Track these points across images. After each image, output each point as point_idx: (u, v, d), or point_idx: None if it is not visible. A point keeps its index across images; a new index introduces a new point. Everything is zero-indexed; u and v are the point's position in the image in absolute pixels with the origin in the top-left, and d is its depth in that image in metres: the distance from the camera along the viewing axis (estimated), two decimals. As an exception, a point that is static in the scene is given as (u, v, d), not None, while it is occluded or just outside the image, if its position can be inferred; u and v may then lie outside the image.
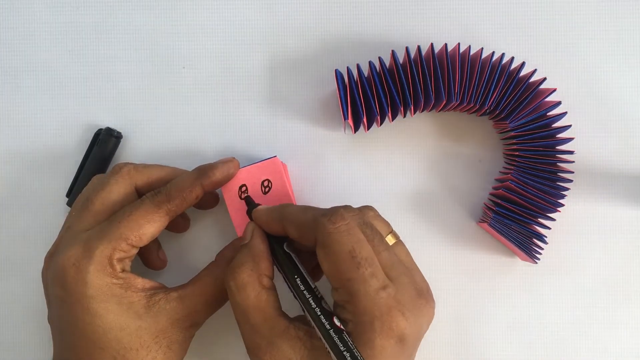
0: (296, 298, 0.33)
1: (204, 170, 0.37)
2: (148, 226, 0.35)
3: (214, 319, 0.37)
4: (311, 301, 0.32)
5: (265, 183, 0.38)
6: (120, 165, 0.37)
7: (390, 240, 0.35)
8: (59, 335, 0.35)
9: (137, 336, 0.33)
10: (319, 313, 0.31)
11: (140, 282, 0.35)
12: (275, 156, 0.39)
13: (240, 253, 0.34)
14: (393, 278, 0.32)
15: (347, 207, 0.33)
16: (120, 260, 0.34)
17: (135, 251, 0.35)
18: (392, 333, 0.30)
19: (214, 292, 0.36)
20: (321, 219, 0.32)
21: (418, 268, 0.35)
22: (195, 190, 0.36)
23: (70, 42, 0.43)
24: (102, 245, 0.33)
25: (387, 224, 0.36)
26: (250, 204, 0.37)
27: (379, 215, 0.36)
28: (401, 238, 0.36)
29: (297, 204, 0.41)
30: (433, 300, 0.33)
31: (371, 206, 0.36)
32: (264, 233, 0.35)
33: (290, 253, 0.34)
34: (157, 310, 0.34)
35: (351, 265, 0.31)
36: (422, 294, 0.32)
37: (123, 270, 0.34)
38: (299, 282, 0.33)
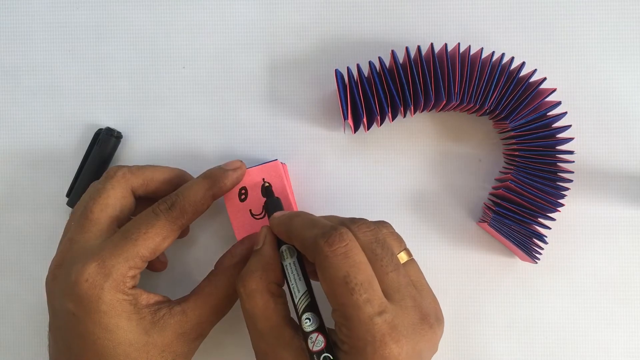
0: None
1: (215, 180, 0.37)
2: (164, 242, 0.35)
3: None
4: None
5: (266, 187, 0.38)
6: (114, 169, 0.37)
7: (402, 258, 0.34)
8: (64, 347, 0.34)
9: (144, 351, 0.34)
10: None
11: (146, 297, 0.35)
12: (276, 159, 0.39)
13: (251, 259, 0.35)
14: (396, 301, 0.31)
15: (362, 223, 0.33)
16: (134, 277, 0.34)
17: (146, 264, 0.35)
18: None
19: (216, 302, 0.36)
20: (319, 241, 0.31)
21: (429, 289, 0.34)
22: (207, 202, 0.36)
23: (70, 42, 0.43)
24: (119, 263, 0.33)
25: (401, 241, 0.35)
26: (269, 209, 0.37)
27: (394, 232, 0.35)
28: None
29: (298, 205, 0.41)
30: (439, 326, 0.32)
31: (386, 222, 0.35)
32: (276, 240, 0.35)
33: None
34: (162, 325, 0.34)
35: (345, 290, 0.30)
36: (426, 319, 0.31)
37: (133, 287, 0.34)
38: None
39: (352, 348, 0.30)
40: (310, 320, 0.32)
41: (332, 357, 0.30)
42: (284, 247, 0.35)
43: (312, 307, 0.32)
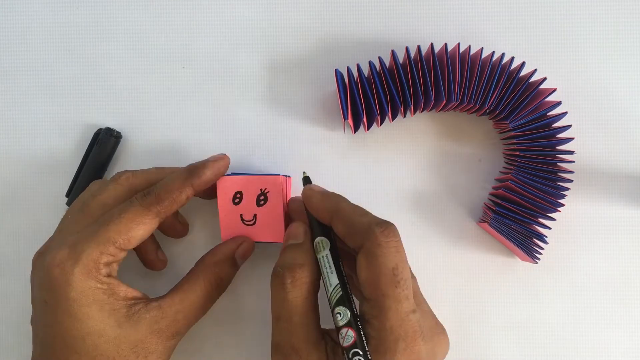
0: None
1: (194, 170, 0.36)
2: (137, 229, 0.34)
3: (196, 328, 0.37)
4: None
5: (262, 197, 0.38)
6: (120, 173, 0.37)
7: None
8: (38, 338, 0.34)
9: (115, 344, 0.32)
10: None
11: (124, 290, 0.34)
12: (279, 175, 0.38)
13: (294, 253, 0.34)
14: (417, 304, 0.32)
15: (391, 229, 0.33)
16: (108, 264, 0.34)
17: (123, 255, 0.35)
18: (413, 356, 0.30)
19: (194, 299, 0.35)
20: (375, 228, 0.31)
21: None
22: (185, 191, 0.36)
23: (70, 42, 0.43)
24: (90, 248, 0.33)
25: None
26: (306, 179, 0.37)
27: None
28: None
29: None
30: (447, 334, 0.34)
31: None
32: (311, 236, 0.35)
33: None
34: (136, 320, 0.33)
35: (390, 282, 0.31)
36: (439, 324, 0.34)
37: (109, 275, 0.34)
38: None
39: (382, 341, 0.30)
40: (340, 315, 0.32)
41: (361, 353, 0.30)
42: (318, 240, 0.34)
43: (344, 300, 0.32)
